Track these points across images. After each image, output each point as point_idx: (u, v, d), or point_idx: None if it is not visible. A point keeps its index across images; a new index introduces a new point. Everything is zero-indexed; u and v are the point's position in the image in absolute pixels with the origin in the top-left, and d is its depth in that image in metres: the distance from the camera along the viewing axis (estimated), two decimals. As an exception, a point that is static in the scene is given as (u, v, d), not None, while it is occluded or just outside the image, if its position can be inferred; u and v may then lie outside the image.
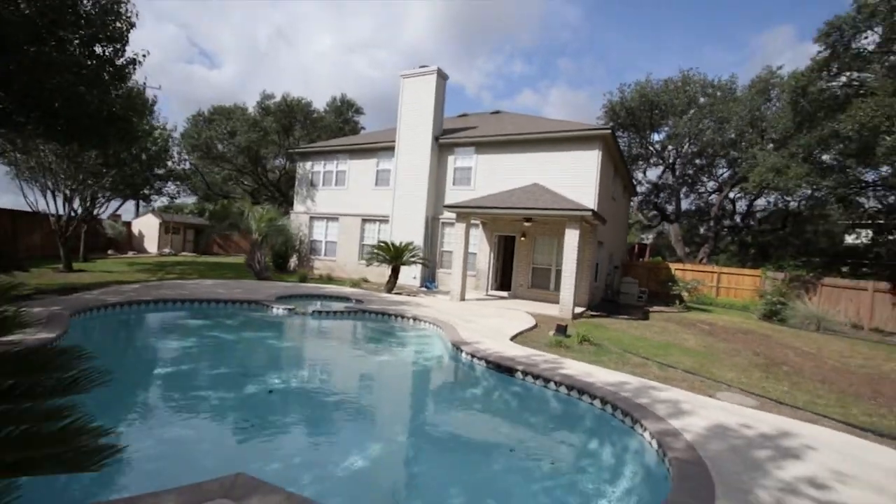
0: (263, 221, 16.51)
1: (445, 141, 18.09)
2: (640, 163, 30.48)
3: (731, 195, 29.36)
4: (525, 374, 6.40)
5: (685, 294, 18.87)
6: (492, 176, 17.27)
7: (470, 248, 17.68)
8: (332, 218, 21.25)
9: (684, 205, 31.86)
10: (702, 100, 24.16)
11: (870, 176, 19.31)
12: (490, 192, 16.62)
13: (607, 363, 7.35)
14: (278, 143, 26.52)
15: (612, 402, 5.32)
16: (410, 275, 17.88)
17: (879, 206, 22.07)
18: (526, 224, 15.29)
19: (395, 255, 15.42)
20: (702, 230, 31.80)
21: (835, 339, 13.37)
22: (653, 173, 31.82)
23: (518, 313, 12.53)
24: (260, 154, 26.76)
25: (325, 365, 7.59)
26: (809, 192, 20.01)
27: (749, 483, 3.53)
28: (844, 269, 21.20)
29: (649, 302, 19.93)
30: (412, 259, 15.82)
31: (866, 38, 13.96)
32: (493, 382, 6.58)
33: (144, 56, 10.26)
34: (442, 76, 18.52)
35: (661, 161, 29.51)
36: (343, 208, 20.77)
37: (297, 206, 22.40)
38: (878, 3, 12.62)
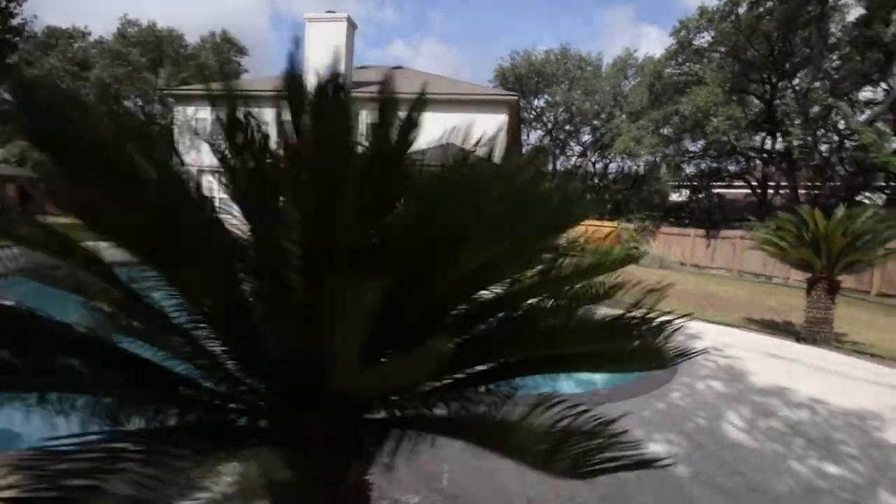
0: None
1: (356, 95, 17.81)
2: (524, 126, 33.53)
3: (592, 159, 34.40)
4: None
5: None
6: (405, 133, 17.77)
7: (385, 203, 18.25)
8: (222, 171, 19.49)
9: (555, 166, 36.30)
10: (578, 72, 27.48)
11: (693, 147, 24.81)
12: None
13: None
14: (150, 82, 22.32)
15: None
16: None
17: (695, 172, 28.48)
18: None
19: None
20: (570, 189, 36.75)
21: (673, 273, 17.65)
22: (533, 136, 35.40)
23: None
24: (121, 94, 22.21)
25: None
26: (649, 157, 24.86)
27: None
28: (672, 219, 27.04)
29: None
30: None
31: (703, 37, 17.77)
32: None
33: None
34: (352, 24, 17.94)
35: (540, 125, 32.90)
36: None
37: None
38: (714, 12, 16.20)
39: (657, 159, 27.68)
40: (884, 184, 19.47)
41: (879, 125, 14.28)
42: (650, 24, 71.86)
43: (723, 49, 17.29)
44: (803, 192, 24.99)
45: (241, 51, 27.04)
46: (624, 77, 27.66)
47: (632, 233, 21.81)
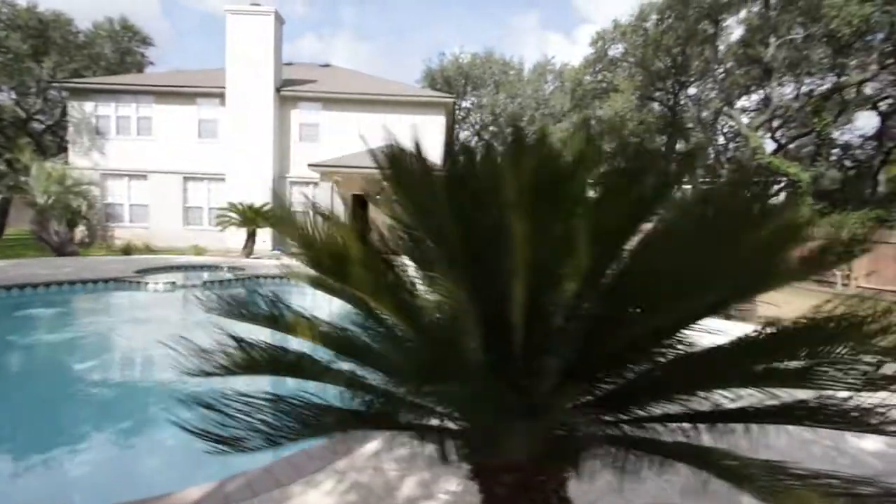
0: (53, 181, 12.73)
1: (289, 94, 17.01)
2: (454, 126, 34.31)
3: (517, 159, 36.09)
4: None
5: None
6: (342, 134, 17.27)
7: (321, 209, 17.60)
8: (136, 175, 17.48)
9: (482, 166, 37.53)
10: (503, 76, 28.71)
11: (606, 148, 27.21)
12: (339, 149, 16.73)
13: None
14: (33, 72, 18.94)
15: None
16: (259, 238, 16.62)
17: (603, 170, 31.29)
18: (385, 184, 16.20)
19: (251, 218, 14.29)
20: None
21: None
22: (461, 137, 36.22)
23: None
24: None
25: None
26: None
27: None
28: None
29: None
30: (267, 221, 14.90)
31: (617, 48, 19.60)
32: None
33: None
34: (280, 20, 17.01)
35: (467, 126, 33.80)
36: (153, 164, 17.32)
37: (77, 160, 17.40)
38: (627, 26, 17.98)
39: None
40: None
41: (759, 132, 16.87)
42: (555, 31, 76.71)
43: (632, 60, 19.21)
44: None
45: (145, 41, 24.19)
46: (544, 82, 29.48)
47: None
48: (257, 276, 10.21)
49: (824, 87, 15.08)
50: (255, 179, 16.73)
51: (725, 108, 16.52)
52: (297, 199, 17.62)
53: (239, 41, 16.41)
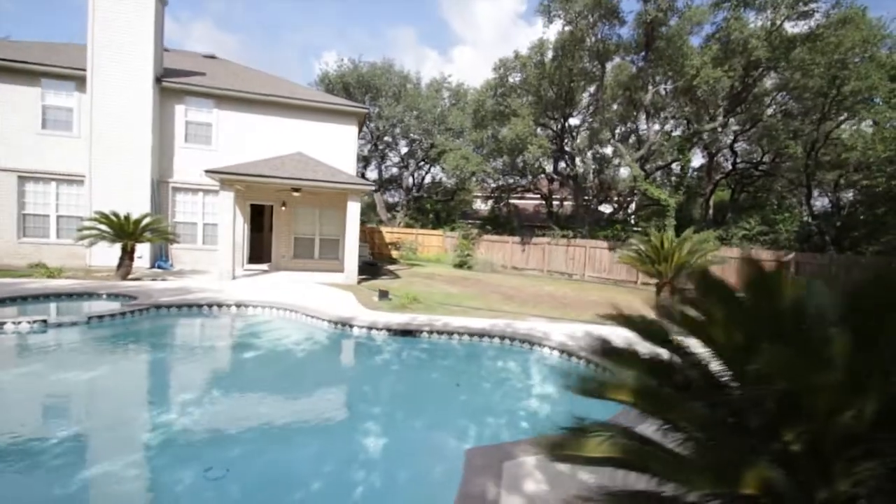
0: None
1: (172, 85, 14.59)
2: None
3: (411, 170, 36.36)
4: (430, 332, 7.70)
5: (411, 253, 23.13)
6: (238, 137, 15.48)
7: (215, 218, 15.51)
8: (-59, 171, 13.21)
9: (375, 175, 36.97)
10: (403, 88, 28.67)
11: (494, 165, 29.03)
12: (236, 154, 15.00)
13: (457, 312, 9.47)
14: None
15: (511, 336, 7.57)
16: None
17: (495, 185, 33.23)
18: (295, 194, 14.88)
19: (130, 231, 11.84)
20: (391, 199, 37.94)
21: (506, 276, 20.40)
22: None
23: (314, 285, 12.69)
24: None
25: (197, 390, 6.20)
26: (460, 173, 28.03)
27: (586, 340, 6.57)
28: (489, 227, 30.93)
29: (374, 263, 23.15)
30: (152, 235, 12.52)
31: (516, 76, 21.15)
32: (401, 346, 7.51)
33: None
34: (162, 0, 14.51)
35: (363, 134, 32.97)
36: (-29, 157, 13.30)
37: None
38: (526, 57, 19.52)
39: (470, 174, 31.30)
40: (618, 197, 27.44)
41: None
42: (431, 48, 79.73)
43: (528, 88, 20.93)
44: (569, 203, 32.28)
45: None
46: (441, 98, 30.29)
47: (463, 241, 24.12)
48: (162, 306, 8.47)
49: (678, 130, 18.56)
50: (126, 184, 13.97)
51: (612, 140, 19.15)
52: (181, 208, 15.26)
53: (108, 16, 13.56)
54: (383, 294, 11.05)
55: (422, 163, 32.75)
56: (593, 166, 22.31)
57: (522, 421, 5.31)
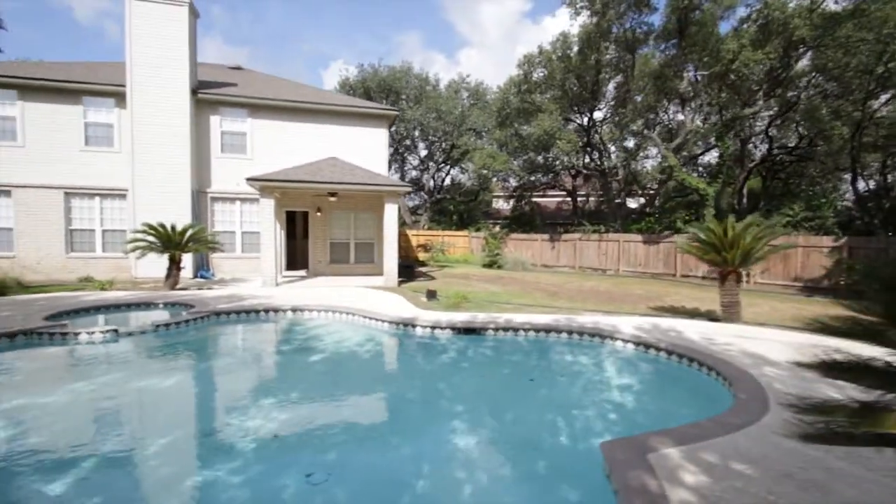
0: None
1: (207, 97, 14.78)
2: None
3: (432, 173, 36.34)
4: (495, 329, 7.57)
5: (441, 254, 23.04)
6: (273, 145, 15.61)
7: (253, 226, 15.64)
8: (-6, 191, 13.57)
9: (395, 178, 37.03)
10: (425, 90, 28.68)
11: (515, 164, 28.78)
12: (271, 161, 15.13)
13: (509, 310, 9.32)
14: None
15: (579, 331, 7.38)
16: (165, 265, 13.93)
17: (516, 184, 32.91)
18: (331, 199, 14.91)
19: (176, 241, 11.98)
20: (411, 202, 37.97)
21: (539, 274, 20.16)
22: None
23: (357, 289, 12.66)
24: None
25: (266, 393, 6.15)
26: (487, 171, 27.83)
27: (657, 333, 6.34)
28: (514, 226, 30.68)
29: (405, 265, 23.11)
30: (197, 245, 12.63)
31: (541, 72, 20.94)
32: (466, 344, 7.38)
33: None
34: (194, 12, 14.74)
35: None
36: (19, 176, 13.64)
37: None
38: (551, 52, 19.33)
39: (496, 172, 31.06)
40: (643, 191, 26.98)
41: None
42: (438, 51, 79.84)
43: (554, 83, 20.70)
44: (594, 199, 31.86)
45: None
46: (460, 98, 30.22)
47: (492, 241, 23.93)
48: (222, 313, 8.50)
49: (712, 118, 18.11)
50: (167, 195, 14.17)
51: (645, 131, 18.85)
52: (219, 217, 15.41)
53: (144, 33, 13.79)
54: (431, 294, 10.96)
55: (442, 164, 32.70)
56: (622, 159, 21.91)
57: (610, 413, 5.12)
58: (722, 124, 17.50)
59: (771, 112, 16.99)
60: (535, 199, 34.59)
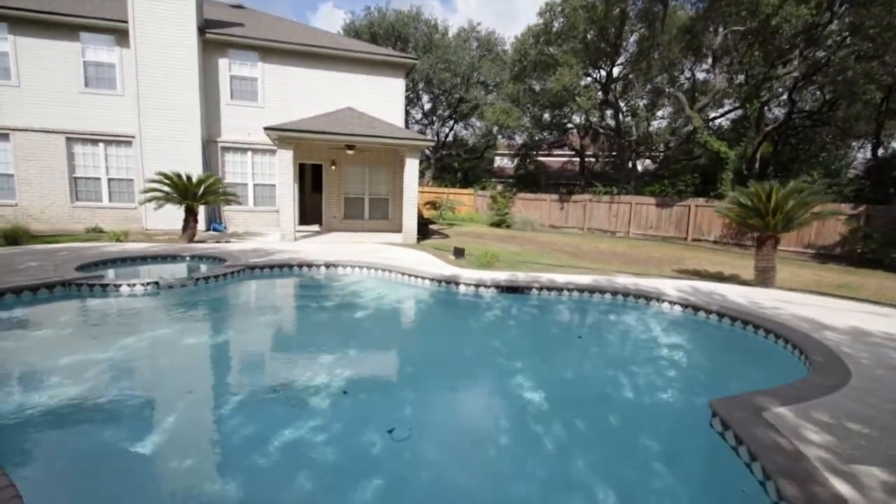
0: None
1: (215, 37, 13.83)
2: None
3: (435, 127, 35.28)
4: (540, 289, 7.54)
5: (449, 212, 22.77)
6: (285, 92, 14.84)
7: (265, 178, 15.17)
8: (-10, 134, 12.81)
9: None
10: (435, 38, 27.18)
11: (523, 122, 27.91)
12: (283, 110, 14.48)
13: (539, 269, 9.28)
14: None
15: (624, 292, 7.38)
16: (178, 216, 13.26)
17: (522, 142, 32.14)
18: (349, 152, 14.39)
19: (193, 192, 11.56)
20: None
21: (550, 235, 20.10)
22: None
23: (379, 245, 12.48)
24: None
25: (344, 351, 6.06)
26: (500, 128, 27.04)
27: (701, 296, 6.38)
28: (521, 185, 30.26)
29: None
30: (215, 196, 12.21)
31: (562, 22, 19.88)
32: (510, 303, 7.35)
33: None
34: (199, -59, 13.48)
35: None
36: (15, 118, 12.86)
37: None
38: (576, 2, 18.28)
39: (494, 130, 30.18)
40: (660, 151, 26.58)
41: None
42: None
43: (576, 36, 19.74)
44: (602, 160, 31.38)
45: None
46: (469, 49, 28.82)
47: (502, 200, 23.64)
48: (256, 267, 8.30)
49: (740, 77, 17.56)
50: (177, 144, 13.55)
51: (670, 90, 18.25)
52: (230, 169, 14.87)
53: (144, -39, 12.64)
54: (459, 252, 10.83)
55: (447, 119, 31.65)
56: (642, 118, 21.31)
57: (668, 370, 5.17)
58: (752, 85, 16.97)
59: (797, 73, 16.48)
60: (539, 158, 34.06)
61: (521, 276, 8.25)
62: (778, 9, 14.01)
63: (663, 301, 7.10)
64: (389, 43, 27.12)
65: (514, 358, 5.51)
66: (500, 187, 29.06)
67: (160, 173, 11.25)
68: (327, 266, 8.86)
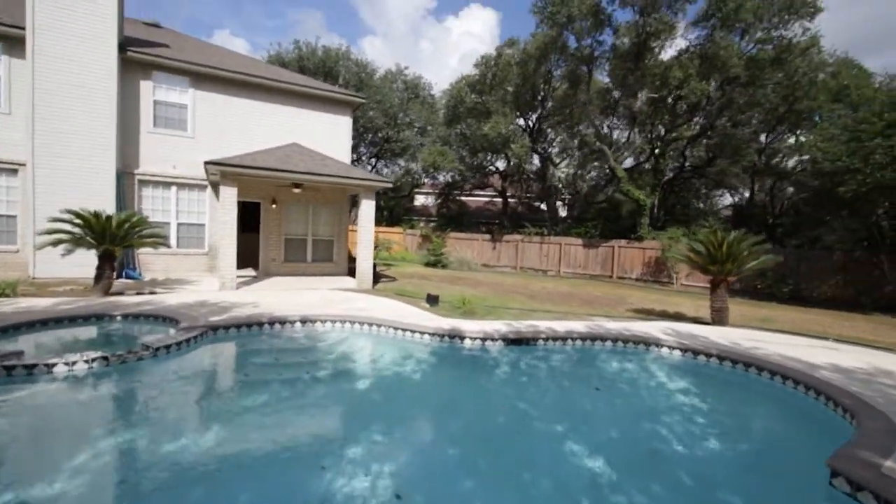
0: None
1: (139, 56, 12.11)
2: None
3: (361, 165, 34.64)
4: (545, 339, 7.42)
5: (385, 252, 22.06)
6: (219, 123, 13.43)
7: (192, 217, 13.35)
8: None
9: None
10: (361, 76, 26.93)
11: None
12: (217, 142, 13.16)
13: (524, 317, 9.23)
14: None
15: (622, 338, 7.58)
16: (77, 262, 10.74)
17: (445, 182, 32.89)
18: (295, 190, 13.27)
19: (113, 234, 9.58)
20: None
21: (489, 275, 20.43)
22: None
23: (335, 292, 11.50)
24: None
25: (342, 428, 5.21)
26: (434, 169, 27.48)
27: (686, 338, 6.91)
28: (451, 225, 30.61)
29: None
30: (140, 239, 10.22)
31: (492, 75, 21.19)
32: (517, 356, 7.09)
33: None
34: (123, -50, 11.88)
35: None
36: None
37: None
38: (510, 56, 19.67)
39: (430, 170, 30.53)
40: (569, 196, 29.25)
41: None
42: (340, 35, 76.74)
43: (509, 88, 21.18)
44: (517, 201, 33.43)
45: None
46: (396, 91, 29.17)
47: (437, 240, 23.61)
48: (220, 327, 6.92)
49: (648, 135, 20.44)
50: (82, 174, 11.33)
51: (598, 143, 20.26)
52: (149, 205, 12.85)
53: (52, -36, 10.72)
54: (433, 299, 10.38)
55: (373, 159, 31.32)
56: (573, 167, 23.27)
57: (696, 416, 5.33)
58: (664, 142, 19.62)
59: (693, 132, 19.66)
60: (461, 198, 35.11)
61: (521, 327, 8.10)
62: (683, 81, 16.70)
63: (662, 346, 7.42)
64: (319, 78, 26.37)
65: (543, 418, 5.21)
66: (423, 225, 29.18)
67: (69, 211, 9.18)
68: (303, 322, 7.82)
